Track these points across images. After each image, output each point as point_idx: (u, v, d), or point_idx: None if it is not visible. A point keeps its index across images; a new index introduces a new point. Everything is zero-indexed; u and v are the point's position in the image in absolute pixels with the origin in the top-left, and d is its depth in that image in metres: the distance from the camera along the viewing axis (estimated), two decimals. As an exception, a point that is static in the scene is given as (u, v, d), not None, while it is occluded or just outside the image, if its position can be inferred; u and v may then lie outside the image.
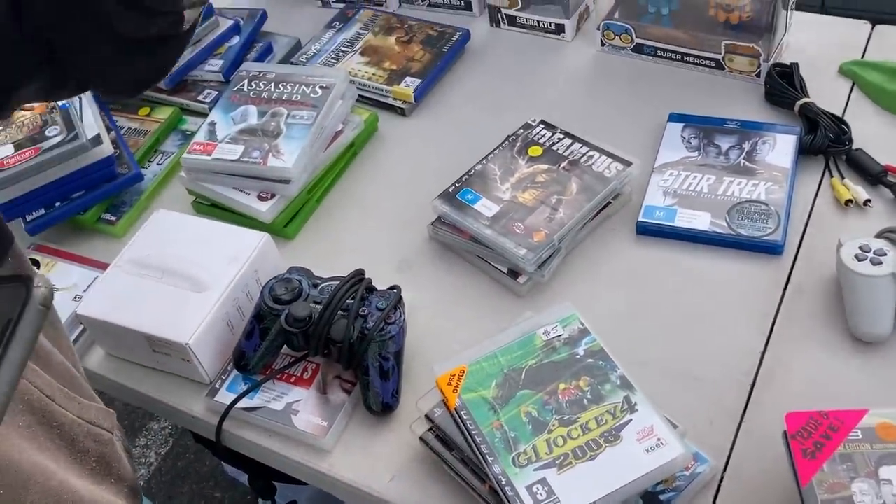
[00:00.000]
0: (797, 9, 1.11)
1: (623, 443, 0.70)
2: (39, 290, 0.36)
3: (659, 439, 0.69)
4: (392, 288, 0.84)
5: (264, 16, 1.29)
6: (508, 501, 0.67)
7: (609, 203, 0.95)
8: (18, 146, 1.02)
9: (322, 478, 0.81)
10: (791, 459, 0.67)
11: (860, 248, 0.82)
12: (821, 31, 1.14)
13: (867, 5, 1.83)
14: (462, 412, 0.74)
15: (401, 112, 1.16)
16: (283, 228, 1.01)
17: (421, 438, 0.77)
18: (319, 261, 0.92)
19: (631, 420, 0.71)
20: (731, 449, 0.76)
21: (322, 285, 0.85)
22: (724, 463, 0.75)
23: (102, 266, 0.98)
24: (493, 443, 0.71)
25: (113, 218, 1.07)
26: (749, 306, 0.86)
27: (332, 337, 0.80)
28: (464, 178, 0.98)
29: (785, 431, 0.68)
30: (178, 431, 1.95)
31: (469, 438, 0.72)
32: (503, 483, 0.68)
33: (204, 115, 1.15)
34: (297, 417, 0.82)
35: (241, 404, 0.84)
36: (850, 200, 0.92)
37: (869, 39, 1.12)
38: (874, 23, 1.14)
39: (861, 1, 1.89)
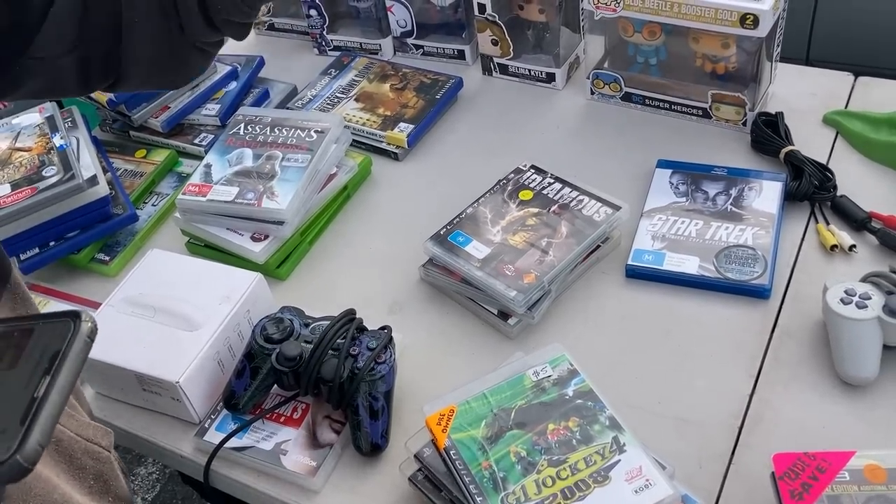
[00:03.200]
0: (783, 60, 1.14)
1: (612, 483, 0.70)
2: (86, 325, 0.40)
3: (647, 480, 0.69)
4: (383, 328, 0.85)
5: (261, 62, 1.31)
6: (497, 542, 0.67)
7: (598, 246, 0.96)
8: (15, 186, 1.03)
9: (310, 519, 0.80)
10: (779, 501, 0.67)
11: (846, 291, 0.83)
12: (805, 81, 1.17)
13: (851, 58, 1.88)
14: (451, 452, 0.74)
15: (394, 157, 1.17)
16: (275, 269, 1.02)
17: (410, 479, 0.77)
18: (311, 302, 0.93)
19: (620, 461, 0.71)
20: (720, 491, 0.76)
21: (313, 325, 0.85)
22: (713, 504, 0.75)
23: (95, 305, 0.98)
24: (482, 483, 0.71)
25: (107, 258, 1.08)
26: (737, 349, 0.87)
27: (322, 376, 0.81)
28: (455, 221, 0.99)
29: (773, 473, 0.69)
30: (165, 476, 1.93)
31: (458, 478, 0.72)
32: (492, 523, 0.68)
33: (200, 158, 1.17)
34: (286, 457, 0.82)
35: (229, 444, 0.83)
36: (835, 246, 0.93)
37: (852, 90, 1.14)
38: (856, 74, 1.17)
39: (845, 54, 1.94)
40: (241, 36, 0.67)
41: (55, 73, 0.62)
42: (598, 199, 0.98)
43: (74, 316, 0.40)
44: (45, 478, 0.56)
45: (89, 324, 0.40)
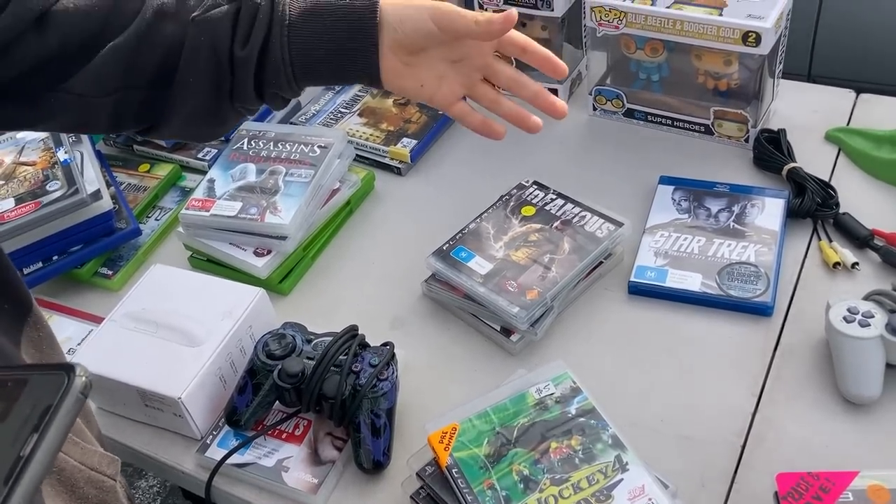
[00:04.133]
0: (785, 77, 1.14)
1: (614, 502, 0.69)
2: (80, 380, 0.39)
3: (650, 499, 0.69)
4: (385, 344, 0.85)
5: (265, 77, 1.32)
6: (499, 561, 0.67)
7: (601, 263, 0.96)
8: (19, 200, 1.03)
9: (311, 536, 0.80)
10: (782, 521, 0.67)
11: (848, 310, 0.83)
12: (807, 98, 1.17)
13: (853, 75, 1.89)
14: (453, 470, 0.73)
15: (397, 172, 1.18)
16: (278, 284, 1.02)
17: (412, 497, 0.77)
18: (314, 317, 0.93)
19: (622, 479, 0.71)
20: (723, 510, 0.75)
21: (315, 341, 0.85)
22: (715, 524, 0.75)
23: (98, 320, 0.98)
24: (484, 502, 0.71)
25: (110, 272, 1.08)
26: (739, 367, 0.87)
27: (324, 393, 0.81)
28: (458, 237, 0.99)
29: (776, 492, 0.69)
30: (166, 490, 1.93)
31: (460, 497, 0.72)
32: (494, 543, 0.68)
33: (203, 172, 1.17)
34: (288, 474, 0.82)
35: (231, 460, 0.83)
36: (837, 263, 0.93)
37: (854, 107, 1.15)
38: (858, 91, 1.17)
39: (847, 71, 1.94)
40: (281, 107, 0.72)
41: (89, 111, 0.64)
42: (601, 216, 0.98)
43: (69, 369, 0.39)
44: None
45: (83, 378, 0.39)
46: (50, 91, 0.61)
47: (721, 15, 1.02)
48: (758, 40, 1.00)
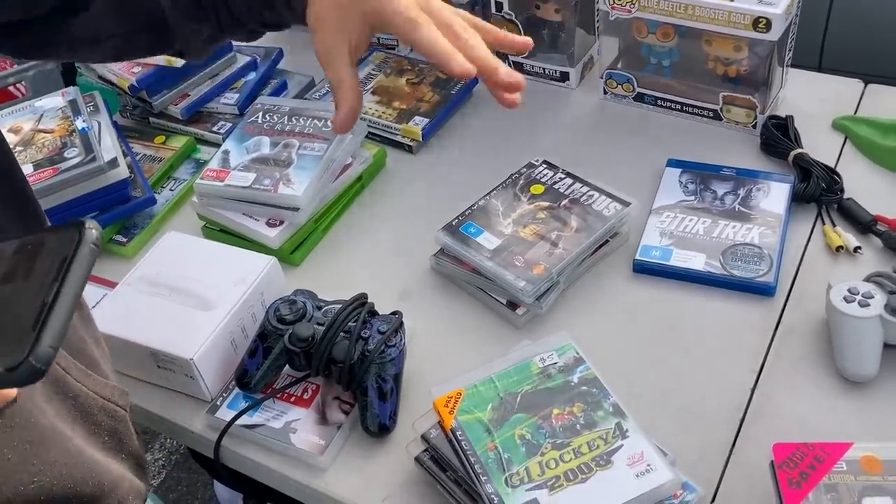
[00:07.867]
0: (795, 66, 1.16)
1: (613, 467, 0.71)
2: (91, 232, 0.42)
3: (648, 465, 0.71)
4: (394, 313, 0.86)
5: (280, 54, 1.34)
6: (500, 520, 0.69)
7: (607, 241, 0.98)
8: (37, 166, 1.05)
9: (317, 496, 0.82)
10: (777, 489, 0.69)
11: (849, 290, 0.84)
12: (816, 87, 1.19)
13: (862, 67, 1.89)
14: (458, 433, 0.75)
15: (408, 149, 1.19)
16: (289, 255, 1.04)
17: (416, 459, 0.79)
18: (323, 288, 0.94)
19: (622, 446, 0.73)
20: (720, 480, 0.77)
21: (326, 308, 0.87)
22: (712, 492, 0.76)
23: (111, 285, 1.00)
24: (486, 463, 0.73)
25: (124, 239, 1.10)
26: (740, 344, 0.88)
27: (333, 357, 0.82)
28: (467, 212, 1.01)
29: (772, 461, 0.70)
30: (171, 463, 1.95)
31: (463, 458, 0.74)
32: (495, 502, 0.70)
33: (217, 145, 1.19)
34: (296, 436, 0.84)
35: (240, 421, 0.85)
36: (840, 247, 0.95)
37: (861, 97, 1.16)
38: (866, 82, 1.18)
39: (857, 63, 1.95)
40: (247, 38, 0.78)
41: (100, 47, 0.71)
42: (609, 195, 1.00)
43: (79, 224, 0.43)
44: (60, 430, 0.59)
45: (94, 231, 0.43)
46: (62, 25, 0.67)
47: (732, 0, 1.03)
48: (768, 26, 1.01)
